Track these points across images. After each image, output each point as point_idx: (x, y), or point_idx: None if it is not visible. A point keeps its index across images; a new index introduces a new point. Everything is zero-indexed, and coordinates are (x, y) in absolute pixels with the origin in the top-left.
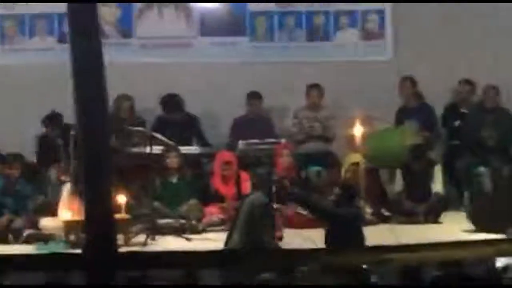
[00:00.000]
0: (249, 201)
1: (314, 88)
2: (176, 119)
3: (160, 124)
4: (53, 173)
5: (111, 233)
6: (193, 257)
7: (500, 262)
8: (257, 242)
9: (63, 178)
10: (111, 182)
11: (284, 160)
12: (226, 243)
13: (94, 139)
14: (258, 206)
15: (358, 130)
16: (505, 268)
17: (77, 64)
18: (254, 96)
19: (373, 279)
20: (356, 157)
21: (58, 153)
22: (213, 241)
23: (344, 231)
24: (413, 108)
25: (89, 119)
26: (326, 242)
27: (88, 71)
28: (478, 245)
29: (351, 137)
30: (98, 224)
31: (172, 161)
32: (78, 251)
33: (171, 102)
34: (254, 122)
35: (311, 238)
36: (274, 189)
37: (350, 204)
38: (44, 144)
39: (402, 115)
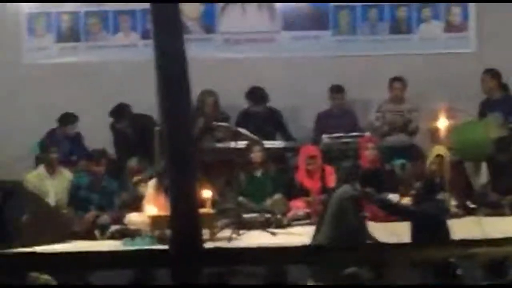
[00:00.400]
0: (337, 195)
1: (397, 81)
2: (260, 112)
3: (244, 117)
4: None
5: (197, 229)
6: (280, 253)
7: None
8: (349, 235)
9: (135, 179)
10: (196, 178)
11: (369, 153)
12: (314, 238)
13: (179, 135)
14: (347, 199)
15: (442, 123)
16: None
17: (161, 60)
18: (337, 90)
19: (459, 272)
20: (441, 149)
21: (131, 146)
22: (298, 235)
23: (427, 226)
24: (497, 100)
25: (173, 115)
26: (412, 237)
27: (172, 67)
28: None
29: (435, 130)
30: (184, 219)
31: (256, 155)
32: (165, 246)
33: (256, 94)
34: (338, 116)
35: (396, 232)
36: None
37: (432, 197)
38: (117, 135)
39: (485, 108)
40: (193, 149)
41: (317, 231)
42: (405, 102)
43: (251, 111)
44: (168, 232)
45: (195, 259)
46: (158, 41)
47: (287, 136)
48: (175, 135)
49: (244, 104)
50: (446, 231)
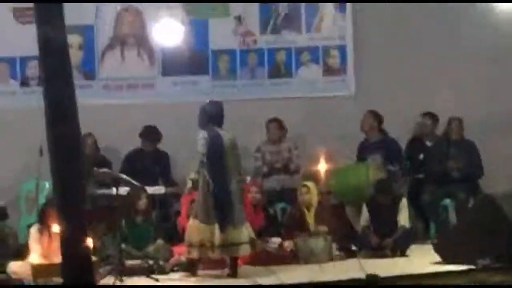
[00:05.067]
0: None
1: (273, 121)
2: (150, 152)
3: (134, 155)
4: None
5: (90, 275)
6: None
7: None
8: None
9: None
10: (85, 223)
11: (253, 197)
12: None
13: (68, 181)
14: None
15: (322, 166)
16: None
17: (51, 106)
18: None
19: None
20: (308, 183)
21: None
22: (178, 281)
23: None
24: (377, 142)
25: (63, 162)
26: None
27: (61, 112)
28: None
29: (316, 173)
30: (76, 266)
31: (141, 203)
32: None
33: (150, 133)
34: None
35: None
36: None
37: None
38: None
39: (365, 150)
40: (82, 193)
41: None
42: (284, 142)
43: (143, 150)
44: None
45: None
46: (48, 87)
47: (170, 181)
48: (64, 181)
49: (123, 149)
50: None
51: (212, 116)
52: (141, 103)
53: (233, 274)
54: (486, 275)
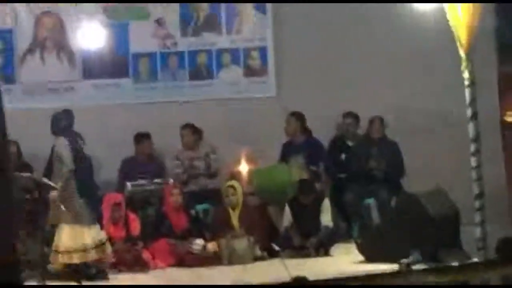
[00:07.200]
0: None
1: (186, 128)
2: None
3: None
4: None
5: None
6: None
7: None
8: None
9: None
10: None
11: (174, 199)
12: None
13: None
14: None
15: (244, 167)
16: None
17: None
18: (141, 137)
19: None
20: (233, 182)
21: None
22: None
23: None
24: (300, 143)
25: None
26: None
27: None
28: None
29: (238, 174)
30: (2, 272)
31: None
32: None
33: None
34: (143, 163)
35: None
36: None
37: None
38: None
39: (288, 150)
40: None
41: None
42: (200, 147)
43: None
44: None
45: None
46: None
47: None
48: None
49: (45, 153)
50: None
51: (69, 123)
52: (62, 107)
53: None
54: (421, 276)
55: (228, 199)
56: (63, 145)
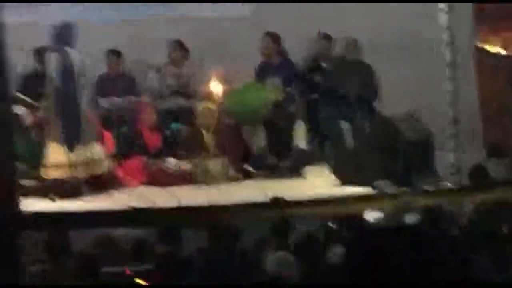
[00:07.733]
0: None
1: (176, 44)
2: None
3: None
4: None
5: (14, 193)
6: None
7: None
8: None
9: None
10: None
11: (147, 117)
12: None
13: None
14: None
15: (218, 87)
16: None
17: None
18: (112, 54)
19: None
20: (208, 103)
21: None
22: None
23: None
24: (275, 64)
25: None
26: None
27: None
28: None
29: (212, 94)
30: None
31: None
32: None
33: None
34: (115, 79)
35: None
36: None
37: None
38: None
39: (263, 71)
40: None
41: None
42: (185, 66)
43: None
44: None
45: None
46: None
47: None
48: None
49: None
50: None
51: (62, 37)
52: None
53: None
54: (411, 198)
55: (203, 120)
56: (53, 61)
